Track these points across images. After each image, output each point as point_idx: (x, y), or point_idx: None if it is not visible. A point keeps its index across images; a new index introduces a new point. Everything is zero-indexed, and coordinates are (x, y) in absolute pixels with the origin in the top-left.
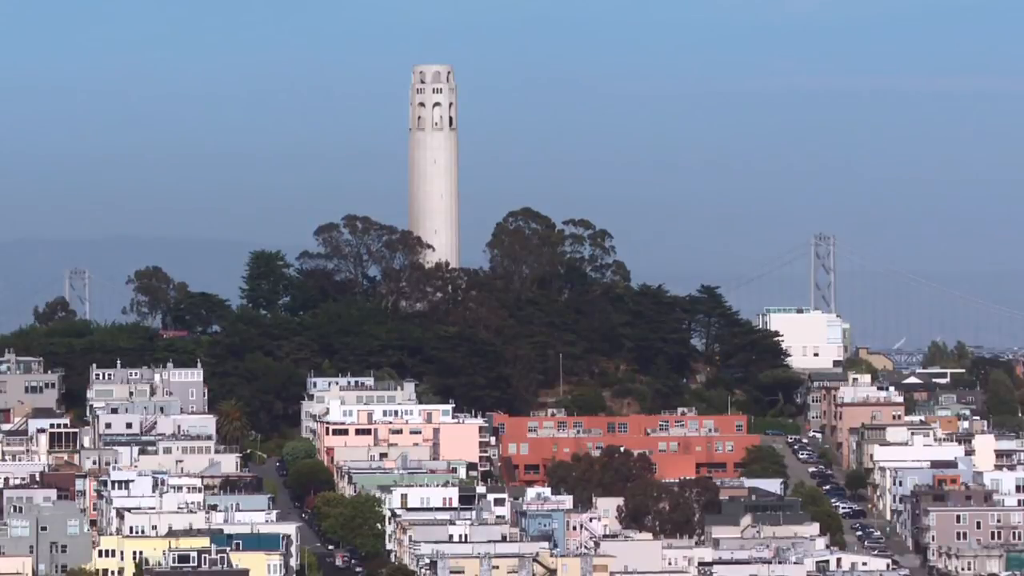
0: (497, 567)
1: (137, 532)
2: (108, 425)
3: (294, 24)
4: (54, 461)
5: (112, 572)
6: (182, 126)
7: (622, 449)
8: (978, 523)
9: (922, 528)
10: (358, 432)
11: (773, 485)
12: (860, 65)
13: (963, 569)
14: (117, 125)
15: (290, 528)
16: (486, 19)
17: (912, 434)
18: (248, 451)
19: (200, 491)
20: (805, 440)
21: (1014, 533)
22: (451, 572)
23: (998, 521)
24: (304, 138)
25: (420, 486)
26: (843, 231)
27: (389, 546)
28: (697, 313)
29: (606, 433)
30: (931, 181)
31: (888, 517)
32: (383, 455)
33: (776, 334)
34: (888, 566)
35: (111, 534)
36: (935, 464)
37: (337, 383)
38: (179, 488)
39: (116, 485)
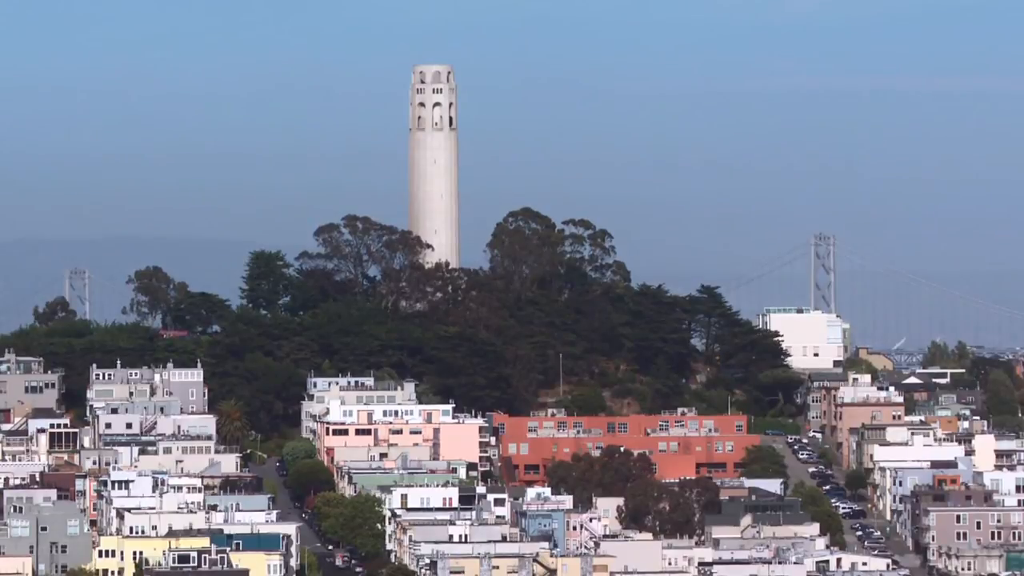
0: (497, 567)
1: (137, 532)
2: (108, 425)
3: (294, 24)
4: (54, 461)
5: (112, 572)
6: (182, 126)
7: (622, 449)
8: (978, 523)
9: (922, 528)
10: (358, 432)
11: (773, 485)
12: (860, 65)
13: (963, 569)
14: (117, 125)
15: (290, 528)
16: (486, 19)
17: (912, 434)
18: (248, 451)
19: (200, 491)
20: (805, 440)
21: (1014, 533)
22: (451, 572)
23: (998, 521)
24: (304, 138)
25: (420, 486)
26: (843, 231)
27: (389, 546)
28: (697, 313)
29: (606, 433)
30: (931, 181)
31: (888, 517)
32: (383, 455)
33: (776, 334)
34: (888, 566)
35: (111, 534)
36: (935, 464)
37: (337, 383)
38: (179, 488)
39: (116, 485)
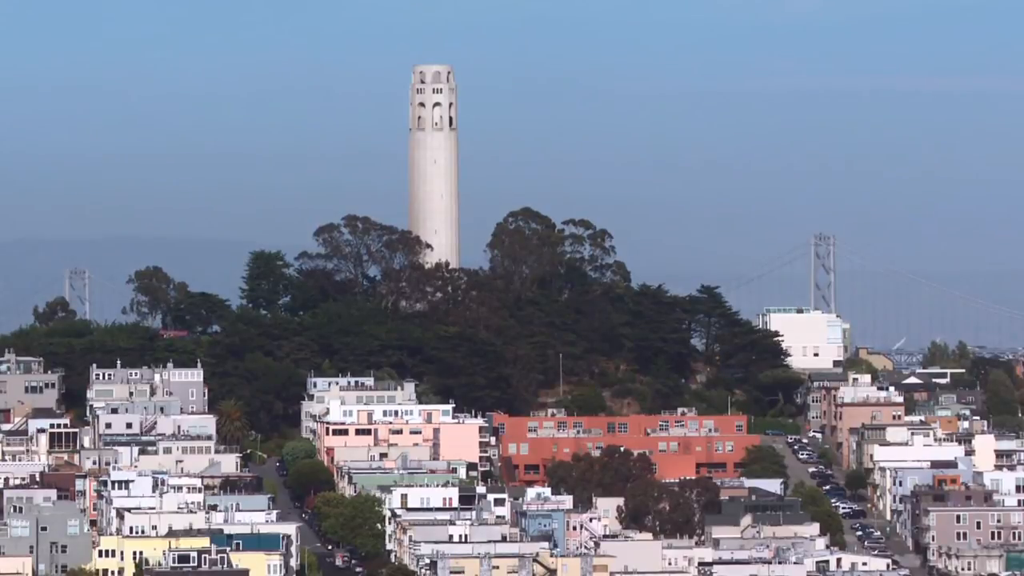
0: (497, 567)
1: (137, 532)
2: (108, 425)
3: (294, 24)
4: (54, 461)
5: (112, 572)
6: (182, 126)
7: (622, 449)
8: (978, 523)
9: (922, 528)
10: (358, 432)
11: (773, 485)
12: (860, 65)
13: (963, 569)
14: (117, 125)
15: (290, 528)
16: (486, 19)
17: (912, 434)
18: (248, 451)
19: (200, 491)
20: (805, 440)
21: (1014, 533)
22: (451, 572)
23: (998, 521)
24: (304, 138)
25: (420, 486)
26: (843, 231)
27: (389, 546)
28: (697, 313)
29: (606, 433)
30: (931, 181)
31: (888, 517)
32: (383, 455)
33: (776, 334)
34: (888, 566)
35: (111, 534)
36: (935, 464)
37: (337, 383)
38: (179, 488)
39: (116, 485)
